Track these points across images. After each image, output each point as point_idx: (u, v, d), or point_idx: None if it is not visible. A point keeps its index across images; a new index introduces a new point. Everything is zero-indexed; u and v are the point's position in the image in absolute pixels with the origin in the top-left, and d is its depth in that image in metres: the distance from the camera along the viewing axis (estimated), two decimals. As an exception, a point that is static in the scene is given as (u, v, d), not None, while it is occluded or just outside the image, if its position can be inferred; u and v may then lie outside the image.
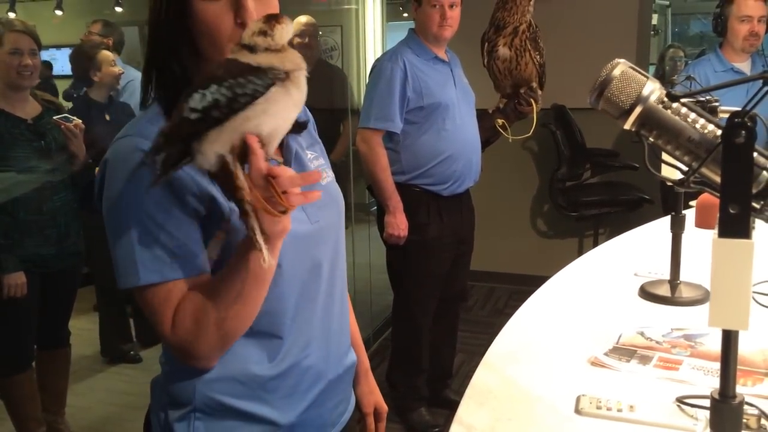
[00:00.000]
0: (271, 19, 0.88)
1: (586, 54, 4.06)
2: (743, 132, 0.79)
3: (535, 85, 2.68)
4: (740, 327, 0.83)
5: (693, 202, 2.07)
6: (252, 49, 0.87)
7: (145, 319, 3.66)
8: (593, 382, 1.19)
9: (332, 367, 1.16)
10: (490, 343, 1.36)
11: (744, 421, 0.93)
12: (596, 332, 1.38)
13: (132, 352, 3.76)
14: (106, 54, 3.46)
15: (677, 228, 1.57)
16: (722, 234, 0.81)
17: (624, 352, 1.29)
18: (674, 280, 1.57)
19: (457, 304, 3.10)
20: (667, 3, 6.26)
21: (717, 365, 0.89)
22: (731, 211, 0.80)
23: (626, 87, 0.94)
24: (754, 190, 0.82)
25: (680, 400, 1.08)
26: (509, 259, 4.66)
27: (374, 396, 1.36)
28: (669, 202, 2.67)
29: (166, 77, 1.02)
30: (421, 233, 2.78)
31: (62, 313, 2.92)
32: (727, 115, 0.81)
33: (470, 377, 1.22)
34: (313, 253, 1.10)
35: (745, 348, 1.19)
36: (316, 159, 1.18)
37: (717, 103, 1.32)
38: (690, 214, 1.84)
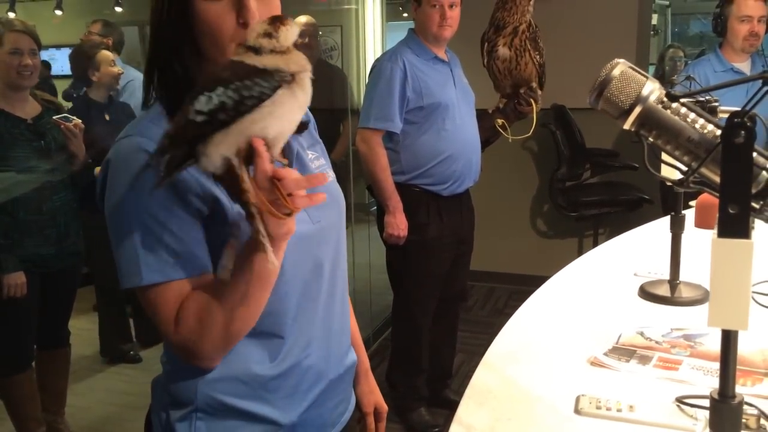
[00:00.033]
0: (276, 21, 0.88)
1: (586, 54, 4.06)
2: (743, 132, 0.79)
3: (534, 85, 2.68)
4: (740, 327, 0.83)
5: (693, 202, 2.08)
6: (257, 50, 0.87)
7: (144, 319, 3.67)
8: (593, 382, 1.19)
9: (333, 366, 1.16)
10: (490, 343, 1.36)
11: (743, 421, 0.93)
12: (596, 332, 1.38)
13: (132, 352, 3.77)
14: (105, 54, 3.46)
15: (677, 228, 1.57)
16: (722, 234, 0.81)
17: (624, 352, 1.29)
18: (674, 280, 1.57)
19: (457, 304, 3.10)
20: (667, 3, 6.26)
21: (717, 365, 0.89)
22: (731, 211, 0.80)
23: (626, 87, 0.94)
24: (753, 190, 0.82)
25: (680, 400, 1.08)
26: (509, 259, 4.66)
27: (374, 396, 1.36)
28: (669, 202, 2.67)
29: (167, 77, 1.02)
30: (421, 233, 2.78)
31: (62, 313, 2.92)
32: (726, 115, 0.81)
33: (470, 377, 1.22)
34: (314, 253, 1.10)
35: (744, 348, 1.19)
36: (317, 159, 1.18)
37: (717, 103, 1.32)
38: (690, 214, 1.84)
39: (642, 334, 1.36)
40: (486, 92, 2.89)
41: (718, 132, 0.89)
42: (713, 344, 1.28)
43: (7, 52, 2.55)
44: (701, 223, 1.97)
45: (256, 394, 1.06)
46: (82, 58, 3.49)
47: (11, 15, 4.97)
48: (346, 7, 4.91)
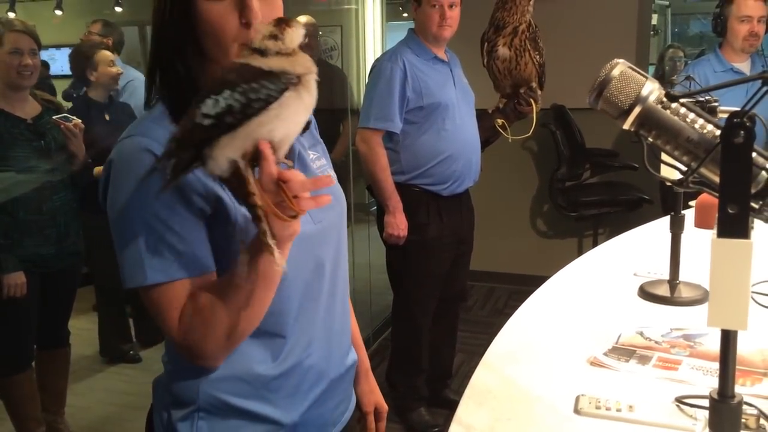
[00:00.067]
0: (281, 23, 0.87)
1: (586, 54, 4.06)
2: (742, 132, 0.79)
3: (534, 85, 2.68)
4: (739, 327, 0.83)
5: (692, 202, 2.08)
6: (263, 53, 0.87)
7: (144, 319, 3.67)
8: (592, 382, 1.19)
9: (334, 366, 1.16)
10: (490, 343, 1.36)
11: (743, 420, 0.93)
12: (595, 332, 1.38)
13: (131, 352, 3.77)
14: (104, 54, 3.45)
15: (676, 228, 1.57)
16: (721, 234, 0.81)
17: (623, 352, 1.29)
18: (673, 280, 1.57)
19: (457, 304, 3.10)
20: (667, 3, 6.26)
21: (716, 365, 0.89)
22: (730, 211, 0.80)
23: (625, 87, 0.94)
24: (752, 190, 0.82)
25: (679, 400, 1.08)
26: (509, 259, 4.66)
27: (374, 395, 1.36)
28: (668, 202, 2.68)
29: (170, 77, 1.02)
30: (421, 233, 2.78)
31: (62, 313, 2.92)
32: (726, 116, 0.81)
33: (470, 377, 1.22)
34: (316, 253, 1.10)
35: (744, 348, 1.19)
36: (318, 159, 1.18)
37: (716, 104, 1.32)
38: (689, 214, 1.84)
39: (641, 334, 1.36)
40: (486, 92, 2.89)
41: (718, 132, 0.89)
42: (713, 344, 1.28)
43: (7, 52, 2.55)
44: (701, 223, 1.97)
45: (258, 393, 1.07)
46: (81, 58, 3.49)
47: (11, 15, 4.97)
48: (346, 7, 4.91)
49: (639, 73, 0.95)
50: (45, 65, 5.01)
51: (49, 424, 2.90)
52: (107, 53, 3.47)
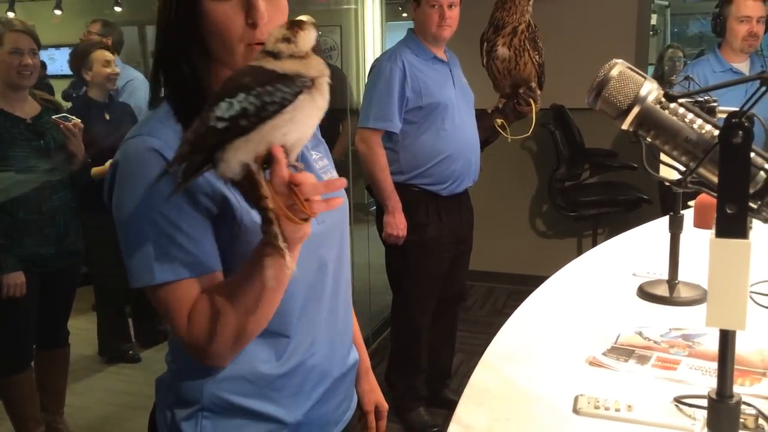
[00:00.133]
0: (294, 26, 0.87)
1: (586, 54, 4.06)
2: (740, 132, 0.80)
3: (534, 85, 2.69)
4: (737, 327, 0.83)
5: (692, 203, 2.08)
6: (276, 55, 0.86)
7: (143, 319, 3.65)
8: (591, 382, 1.19)
9: (336, 365, 1.17)
10: (489, 342, 1.36)
11: (741, 420, 0.93)
12: (595, 332, 1.38)
13: (131, 352, 3.76)
14: (99, 53, 3.43)
15: (676, 228, 1.57)
16: (719, 234, 0.81)
17: (622, 351, 1.29)
18: (672, 280, 1.57)
19: (456, 304, 3.10)
20: (666, 3, 6.26)
21: (715, 365, 0.89)
22: (728, 211, 0.81)
23: (624, 87, 0.94)
24: (751, 190, 0.82)
25: (678, 400, 1.08)
26: (508, 259, 4.66)
27: (375, 394, 1.37)
28: (668, 202, 2.67)
29: (175, 77, 1.02)
30: (420, 233, 2.78)
31: (61, 313, 2.92)
32: (725, 116, 0.81)
33: (469, 377, 1.22)
34: (319, 253, 1.10)
35: (742, 348, 1.19)
36: (320, 159, 1.18)
37: (715, 104, 1.32)
38: (689, 214, 1.85)
39: (640, 333, 1.36)
40: (485, 92, 2.89)
41: (716, 132, 0.89)
42: (712, 344, 1.29)
43: (7, 52, 2.55)
44: (700, 223, 1.97)
45: (261, 392, 1.07)
46: (77, 58, 3.49)
47: (11, 15, 4.97)
48: (345, 7, 4.91)
49: (638, 73, 0.96)
50: (42, 65, 5.01)
51: (48, 423, 2.90)
52: (103, 53, 3.45)
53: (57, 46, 5.86)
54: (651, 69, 5.17)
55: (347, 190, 0.95)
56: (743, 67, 3.20)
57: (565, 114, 4.25)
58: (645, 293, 1.57)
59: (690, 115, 0.92)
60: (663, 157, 0.98)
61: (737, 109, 0.80)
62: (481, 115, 2.84)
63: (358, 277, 3.74)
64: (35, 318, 2.72)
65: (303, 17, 0.90)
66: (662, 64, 5.31)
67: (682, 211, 1.58)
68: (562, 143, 4.24)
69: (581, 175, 4.39)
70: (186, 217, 0.98)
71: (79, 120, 2.74)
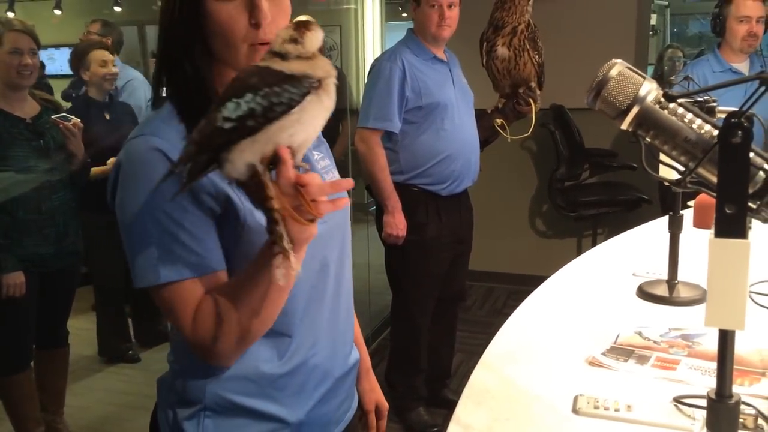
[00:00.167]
0: (301, 26, 0.87)
1: (585, 54, 4.06)
2: (740, 132, 0.80)
3: (533, 84, 2.69)
4: (736, 327, 0.84)
5: (691, 203, 2.08)
6: (283, 56, 0.86)
7: (143, 319, 3.65)
8: (591, 382, 1.19)
9: (338, 365, 1.17)
10: (489, 343, 1.36)
11: (741, 420, 0.93)
12: (594, 332, 1.38)
13: (130, 352, 3.76)
14: (96, 53, 3.42)
15: (675, 228, 1.57)
16: (719, 234, 0.81)
17: (622, 351, 1.29)
18: (672, 280, 1.57)
19: (456, 303, 3.10)
20: (666, 3, 6.26)
21: (714, 365, 0.89)
22: (728, 211, 0.81)
23: (623, 87, 0.94)
24: (750, 190, 0.82)
25: (677, 400, 1.08)
26: (508, 259, 4.66)
27: (375, 394, 1.37)
28: (667, 202, 2.68)
29: (178, 77, 1.03)
30: (420, 233, 2.78)
31: (61, 313, 2.92)
32: (724, 116, 0.81)
33: (468, 377, 1.22)
34: (322, 253, 1.10)
35: (742, 348, 1.19)
36: (322, 159, 1.18)
37: (715, 104, 1.32)
38: (688, 214, 1.84)
39: (640, 333, 1.36)
40: (485, 92, 2.89)
41: (716, 132, 0.89)
42: (711, 344, 1.29)
43: (6, 52, 2.55)
44: (700, 223, 1.97)
45: (264, 392, 1.07)
46: (77, 58, 3.49)
47: (10, 15, 4.97)
48: (345, 6, 4.91)
49: (637, 73, 0.96)
50: (40, 65, 5.01)
51: (48, 423, 2.90)
52: (100, 52, 3.44)
53: (57, 46, 5.86)
54: (651, 69, 5.17)
55: (347, 190, 0.95)
56: (743, 67, 3.20)
57: (565, 114, 4.25)
58: (644, 293, 1.57)
59: (689, 115, 0.92)
60: (662, 157, 0.98)
61: (737, 109, 0.80)
62: (481, 115, 2.84)
63: (358, 277, 3.73)
64: (35, 318, 2.72)
65: (303, 17, 0.90)
66: (662, 64, 5.31)
67: (681, 211, 1.58)
68: (561, 143, 4.24)
69: (581, 175, 4.39)
70: (190, 217, 0.98)
71: (79, 120, 2.74)
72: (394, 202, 2.73)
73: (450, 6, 2.68)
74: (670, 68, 5.15)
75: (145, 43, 6.22)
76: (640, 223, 2.27)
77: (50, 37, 4.89)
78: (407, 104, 2.70)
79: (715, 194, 0.82)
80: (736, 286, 0.82)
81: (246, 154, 0.84)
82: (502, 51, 2.63)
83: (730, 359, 0.86)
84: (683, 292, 1.55)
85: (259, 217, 0.99)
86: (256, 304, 0.96)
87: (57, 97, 3.56)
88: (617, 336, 1.36)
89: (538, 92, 2.71)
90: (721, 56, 3.22)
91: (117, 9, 5.66)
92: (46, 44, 3.30)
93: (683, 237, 1.58)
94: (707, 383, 1.14)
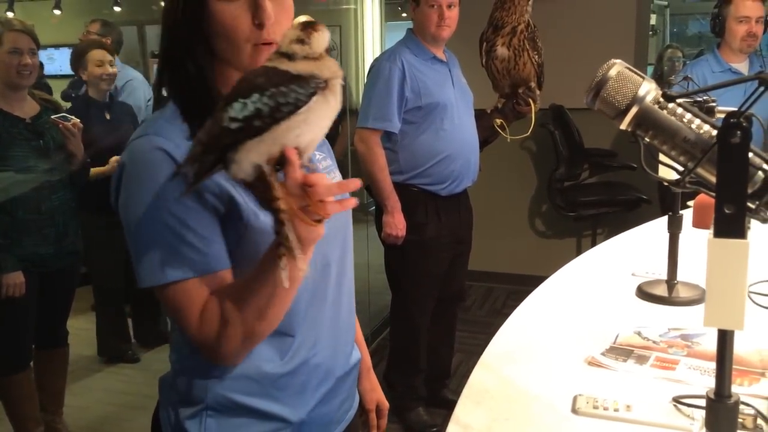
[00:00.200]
0: (308, 27, 0.87)
1: (585, 54, 4.06)
2: (739, 132, 0.80)
3: (533, 85, 2.69)
4: (735, 327, 0.84)
5: (691, 203, 2.08)
6: (290, 57, 0.86)
7: (143, 319, 3.65)
8: (590, 382, 1.19)
9: (339, 365, 1.17)
10: (488, 343, 1.36)
11: (740, 420, 0.93)
12: (593, 332, 1.38)
13: (130, 352, 3.76)
14: (94, 53, 3.41)
15: (674, 228, 1.57)
16: (717, 234, 0.81)
17: (621, 351, 1.29)
18: (671, 280, 1.57)
19: (455, 304, 3.10)
20: (666, 3, 6.27)
21: (713, 365, 0.89)
22: (727, 211, 0.81)
23: (622, 87, 0.94)
24: (749, 190, 0.82)
25: (677, 400, 1.08)
26: (507, 259, 4.66)
27: (376, 393, 1.38)
28: (667, 202, 2.67)
29: (180, 77, 1.03)
30: (419, 233, 2.78)
31: (60, 313, 2.92)
32: (724, 116, 0.81)
33: (468, 377, 1.22)
34: (323, 252, 1.10)
35: (741, 348, 1.20)
36: (324, 160, 1.19)
37: (714, 104, 1.32)
38: (688, 214, 1.85)
39: (639, 333, 1.37)
40: (484, 92, 2.90)
41: (715, 132, 0.89)
42: (710, 344, 1.29)
43: (6, 52, 2.55)
44: (699, 223, 1.97)
45: (265, 391, 1.07)
46: (76, 58, 3.48)
47: (10, 15, 4.97)
48: (344, 7, 4.91)
49: (636, 73, 0.96)
50: (39, 65, 5.01)
51: (47, 424, 2.90)
52: (99, 52, 3.43)
53: (56, 46, 5.86)
54: (650, 69, 5.18)
55: (353, 190, 0.95)
56: (742, 67, 3.20)
57: (565, 114, 4.25)
58: (644, 293, 1.57)
59: (688, 115, 0.92)
60: (662, 157, 0.98)
61: (736, 109, 0.80)
62: (481, 115, 2.84)
63: (357, 277, 3.70)
64: (34, 318, 2.72)
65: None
66: (661, 64, 5.32)
67: (681, 211, 1.58)
68: (561, 143, 4.24)
69: (580, 175, 4.39)
70: (194, 216, 0.98)
71: (79, 120, 2.74)
72: (393, 202, 2.73)
73: (449, 6, 2.68)
74: (669, 68, 5.15)
75: (144, 43, 6.22)
76: (640, 223, 2.27)
77: (50, 37, 4.89)
78: (407, 104, 2.70)
79: (714, 194, 0.82)
80: (735, 286, 0.82)
81: (253, 155, 0.84)
82: (501, 51, 2.63)
83: (729, 359, 0.86)
84: (682, 292, 1.55)
85: (263, 218, 0.99)
86: (262, 305, 0.95)
87: (56, 97, 3.56)
88: (616, 336, 1.36)
89: (538, 92, 2.71)
90: (721, 56, 3.22)
91: (117, 9, 5.66)
92: (46, 44, 3.30)
93: (682, 237, 1.58)
94: (706, 383, 1.14)
